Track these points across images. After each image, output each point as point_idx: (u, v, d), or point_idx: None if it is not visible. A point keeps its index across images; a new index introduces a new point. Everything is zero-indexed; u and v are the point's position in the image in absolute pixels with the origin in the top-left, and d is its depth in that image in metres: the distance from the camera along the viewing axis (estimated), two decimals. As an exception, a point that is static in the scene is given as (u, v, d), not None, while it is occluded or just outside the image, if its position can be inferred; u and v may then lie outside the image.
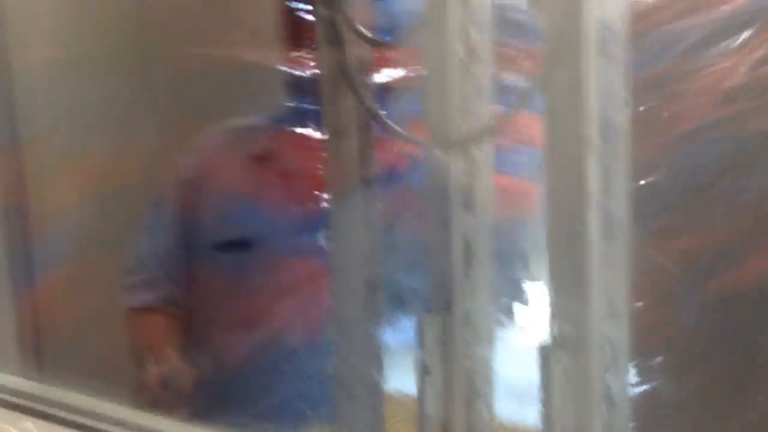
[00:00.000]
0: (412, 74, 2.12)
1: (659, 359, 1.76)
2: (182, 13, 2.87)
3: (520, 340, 1.94)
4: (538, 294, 2.49)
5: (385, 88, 2.11)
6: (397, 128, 1.83)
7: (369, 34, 1.96)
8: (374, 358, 2.08)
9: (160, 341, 2.46)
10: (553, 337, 1.63)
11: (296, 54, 2.41)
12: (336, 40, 1.99)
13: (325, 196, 2.13)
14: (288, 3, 2.52)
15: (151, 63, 2.93)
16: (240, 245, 2.42)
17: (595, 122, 1.53)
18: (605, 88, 1.54)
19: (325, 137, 2.08)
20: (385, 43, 1.98)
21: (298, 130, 2.38)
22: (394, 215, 2.10)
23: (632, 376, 1.62)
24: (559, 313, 1.62)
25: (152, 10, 2.99)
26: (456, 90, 1.77)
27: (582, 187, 1.54)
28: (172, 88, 2.85)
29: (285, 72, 2.42)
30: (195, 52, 2.57)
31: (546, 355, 1.63)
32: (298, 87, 2.46)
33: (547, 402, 1.59)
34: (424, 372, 1.84)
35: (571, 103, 1.54)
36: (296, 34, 2.48)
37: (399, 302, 2.09)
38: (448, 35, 1.75)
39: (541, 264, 1.92)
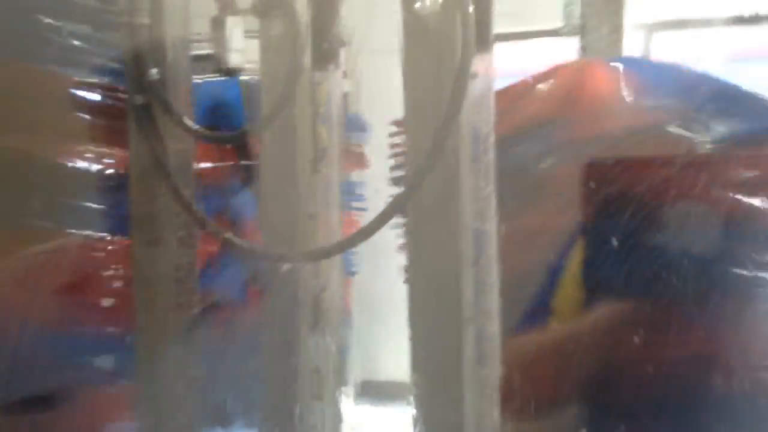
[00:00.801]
0: (242, 170, 1.88)
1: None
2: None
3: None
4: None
5: (210, 187, 1.85)
6: (230, 235, 1.57)
7: (192, 124, 1.69)
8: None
9: None
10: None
11: (107, 150, 2.02)
12: (151, 130, 1.70)
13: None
14: (98, 92, 2.11)
15: None
16: (39, 403, 1.87)
17: (469, 234, 1.39)
18: (478, 197, 1.41)
19: (133, 248, 1.74)
20: (211, 136, 1.73)
21: (117, 241, 1.98)
22: (220, 337, 1.81)
23: None
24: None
25: None
26: (304, 193, 1.57)
27: (457, 307, 1.39)
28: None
29: (93, 172, 2.02)
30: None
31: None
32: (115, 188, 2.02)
33: None
34: None
35: (444, 214, 1.39)
36: (109, 126, 2.08)
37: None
38: (297, 133, 1.55)
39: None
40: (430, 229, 1.41)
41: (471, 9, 1.37)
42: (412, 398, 1.46)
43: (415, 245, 1.43)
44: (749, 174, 1.92)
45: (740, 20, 3.77)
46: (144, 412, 1.61)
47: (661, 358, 1.80)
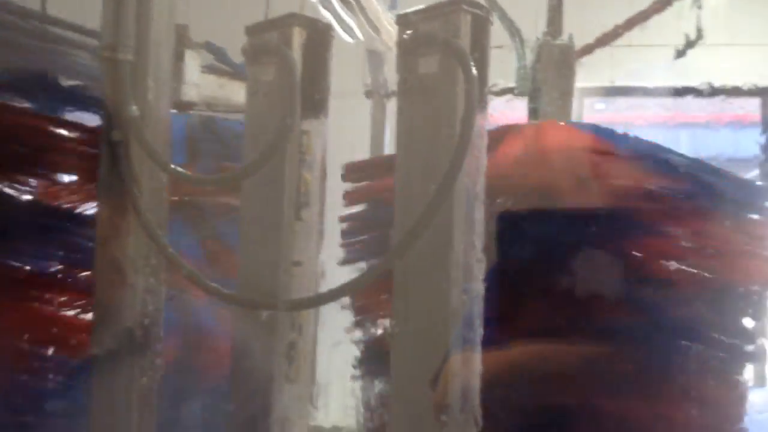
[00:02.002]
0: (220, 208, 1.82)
1: None
2: None
3: None
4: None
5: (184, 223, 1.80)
6: (211, 282, 1.53)
7: (172, 165, 1.64)
8: None
9: None
10: None
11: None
12: (126, 168, 1.65)
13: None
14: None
15: None
16: None
17: (460, 293, 1.40)
18: (468, 256, 1.43)
19: (97, 290, 1.66)
20: (192, 178, 1.68)
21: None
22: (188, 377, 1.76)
23: None
24: None
25: None
26: (287, 241, 1.55)
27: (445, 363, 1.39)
28: None
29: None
30: None
31: None
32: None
33: None
34: None
35: (436, 272, 1.41)
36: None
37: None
38: (284, 181, 1.54)
39: None
40: (420, 286, 1.42)
41: (474, 71, 1.40)
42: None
43: (403, 302, 1.43)
44: (659, 228, 2.05)
45: (669, 92, 3.99)
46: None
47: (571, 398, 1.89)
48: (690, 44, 3.02)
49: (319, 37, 1.64)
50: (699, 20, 2.98)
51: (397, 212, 1.47)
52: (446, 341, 1.41)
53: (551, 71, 2.80)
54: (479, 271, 1.49)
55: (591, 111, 4.80)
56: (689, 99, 4.44)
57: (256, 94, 1.63)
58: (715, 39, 3.49)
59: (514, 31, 2.78)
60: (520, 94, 2.92)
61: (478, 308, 1.49)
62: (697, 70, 3.73)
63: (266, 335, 1.55)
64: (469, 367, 1.47)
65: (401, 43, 1.47)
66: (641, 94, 4.19)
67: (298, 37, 1.60)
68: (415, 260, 1.44)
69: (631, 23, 2.80)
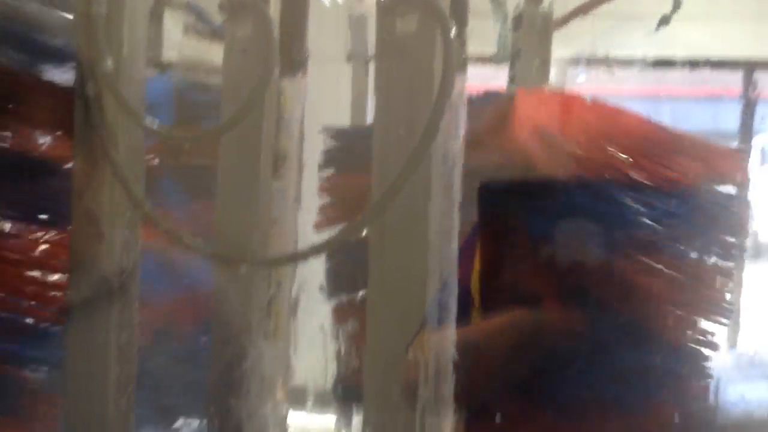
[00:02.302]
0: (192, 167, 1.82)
1: None
2: None
3: None
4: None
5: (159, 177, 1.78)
6: (189, 237, 1.52)
7: (146, 120, 1.63)
8: None
9: None
10: None
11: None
12: (101, 123, 1.64)
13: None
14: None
15: None
16: None
17: (437, 254, 1.41)
18: (444, 218, 1.44)
19: (71, 227, 1.66)
20: (165, 134, 1.68)
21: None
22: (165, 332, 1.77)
23: None
24: None
25: None
26: (264, 199, 1.55)
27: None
28: None
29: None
30: None
31: None
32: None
33: None
34: None
35: (413, 233, 1.41)
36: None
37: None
38: (261, 139, 1.53)
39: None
40: (397, 248, 1.42)
41: (453, 31, 1.40)
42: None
43: (379, 264, 1.44)
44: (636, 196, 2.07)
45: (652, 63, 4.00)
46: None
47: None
48: (670, 14, 3.02)
49: (298, -6, 1.63)
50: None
51: (374, 173, 1.47)
52: (423, 304, 1.42)
53: (532, 38, 2.80)
54: (456, 234, 1.51)
55: (572, 83, 4.82)
56: (671, 72, 4.46)
57: (233, 50, 1.62)
58: (696, 11, 3.50)
59: (495, -3, 2.77)
60: (500, 60, 2.92)
61: (454, 268, 1.50)
62: (678, 42, 3.74)
63: (244, 291, 1.55)
64: (445, 331, 1.48)
65: (379, 4, 1.46)
66: (623, 65, 4.20)
67: (275, -8, 1.60)
68: (391, 221, 1.45)
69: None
